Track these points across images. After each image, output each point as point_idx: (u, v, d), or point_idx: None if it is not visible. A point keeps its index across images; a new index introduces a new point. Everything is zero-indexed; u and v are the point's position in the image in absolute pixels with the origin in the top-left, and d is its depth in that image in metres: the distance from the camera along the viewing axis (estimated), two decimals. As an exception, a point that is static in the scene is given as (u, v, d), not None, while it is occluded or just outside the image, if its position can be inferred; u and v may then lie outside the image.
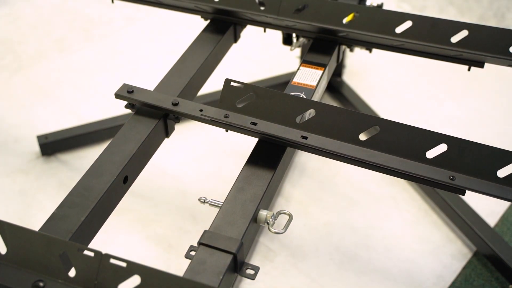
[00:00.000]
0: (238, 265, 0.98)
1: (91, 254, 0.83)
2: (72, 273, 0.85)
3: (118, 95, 1.25)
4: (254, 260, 1.61)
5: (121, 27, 2.60)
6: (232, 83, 1.18)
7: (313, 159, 1.90)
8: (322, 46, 1.41)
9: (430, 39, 1.30)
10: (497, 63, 1.29)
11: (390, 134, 1.08)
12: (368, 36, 1.35)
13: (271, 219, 1.04)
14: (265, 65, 2.33)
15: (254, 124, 1.14)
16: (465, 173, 1.03)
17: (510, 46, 1.25)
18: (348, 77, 2.23)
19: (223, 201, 1.05)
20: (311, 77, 1.33)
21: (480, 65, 1.31)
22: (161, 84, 1.33)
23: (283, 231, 1.05)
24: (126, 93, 1.24)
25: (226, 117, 1.16)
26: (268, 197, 1.10)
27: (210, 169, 1.88)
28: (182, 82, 1.33)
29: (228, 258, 0.95)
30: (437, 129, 1.06)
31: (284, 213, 1.08)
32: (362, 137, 1.10)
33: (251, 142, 1.17)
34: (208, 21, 1.53)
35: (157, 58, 2.38)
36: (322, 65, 1.36)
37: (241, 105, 1.17)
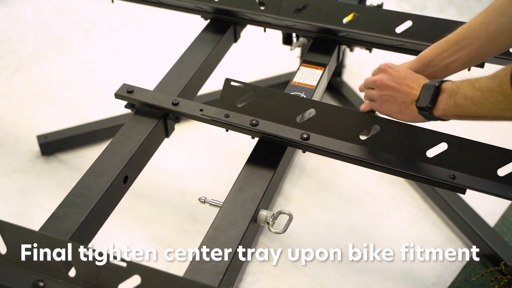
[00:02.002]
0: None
1: (91, 254, 0.83)
2: (72, 273, 0.85)
3: (118, 95, 1.25)
4: (254, 260, 1.60)
5: (121, 27, 2.60)
6: (232, 83, 1.18)
7: (313, 159, 1.89)
8: (322, 46, 1.41)
9: (430, 39, 1.30)
10: (497, 63, 1.29)
11: (390, 133, 1.08)
12: (368, 36, 1.35)
13: (271, 219, 1.04)
14: (265, 65, 2.33)
15: (255, 123, 1.14)
16: (465, 172, 1.03)
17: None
18: (348, 76, 2.23)
19: (223, 201, 1.05)
20: (311, 77, 1.33)
21: (481, 65, 1.30)
22: (161, 84, 1.33)
23: (283, 231, 1.05)
24: (126, 93, 1.24)
25: (227, 117, 1.16)
26: (268, 197, 1.10)
27: (210, 169, 1.88)
28: (182, 82, 1.33)
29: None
30: (437, 128, 1.06)
31: (284, 213, 1.08)
32: (362, 136, 1.10)
33: (251, 141, 1.17)
34: (208, 21, 1.53)
35: (157, 58, 2.38)
36: (322, 65, 1.36)
37: (241, 105, 1.17)
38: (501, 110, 0.83)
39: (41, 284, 0.84)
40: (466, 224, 1.63)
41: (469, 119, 0.91)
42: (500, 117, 0.85)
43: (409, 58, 1.40)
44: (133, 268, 0.82)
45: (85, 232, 1.02)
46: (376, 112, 1.12)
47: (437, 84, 0.95)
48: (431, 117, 0.98)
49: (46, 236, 0.87)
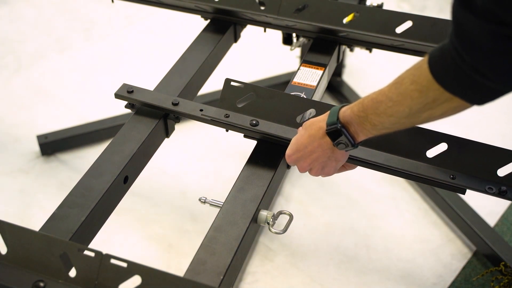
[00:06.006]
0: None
1: (92, 254, 0.83)
2: (72, 273, 0.85)
3: (118, 95, 1.25)
4: (254, 260, 1.60)
5: (121, 27, 2.60)
6: (232, 83, 1.18)
7: (313, 159, 1.89)
8: (322, 46, 1.41)
9: (430, 39, 1.30)
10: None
11: (390, 133, 1.07)
12: (368, 36, 1.35)
13: (271, 219, 1.04)
14: (265, 65, 2.33)
15: (255, 124, 1.14)
16: (465, 172, 1.03)
17: (510, 45, 1.25)
18: (348, 76, 2.23)
19: (223, 201, 1.05)
20: (311, 77, 1.33)
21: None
22: (161, 84, 1.33)
23: (283, 231, 1.05)
24: (126, 93, 1.24)
25: (227, 117, 1.16)
26: (268, 197, 1.10)
27: (210, 169, 1.88)
28: (182, 82, 1.33)
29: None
30: (437, 128, 1.06)
31: (284, 213, 1.08)
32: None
33: (251, 142, 1.17)
34: (208, 21, 1.53)
35: (157, 58, 2.38)
36: (322, 65, 1.36)
37: (241, 105, 1.17)
38: (418, 109, 0.80)
39: (42, 284, 0.84)
40: (466, 224, 1.63)
41: (390, 130, 0.89)
42: (418, 116, 0.82)
43: (409, 58, 1.41)
44: (133, 268, 0.82)
45: (86, 232, 1.02)
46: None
47: (338, 126, 0.93)
48: (357, 146, 0.96)
49: (46, 236, 0.87)
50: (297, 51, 2.13)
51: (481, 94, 0.76)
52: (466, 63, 0.72)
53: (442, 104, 0.78)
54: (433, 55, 0.78)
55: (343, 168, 1.09)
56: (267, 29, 1.49)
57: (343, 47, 1.49)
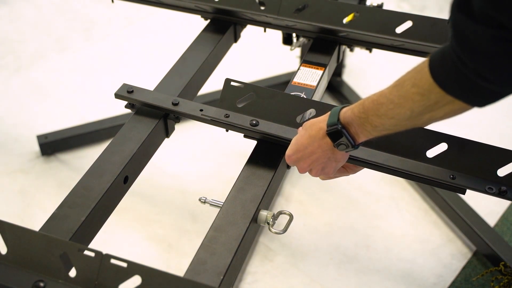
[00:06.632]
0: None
1: (92, 254, 0.83)
2: (72, 273, 0.85)
3: (118, 95, 1.25)
4: (254, 260, 1.60)
5: (121, 27, 2.60)
6: (232, 83, 1.18)
7: (313, 159, 1.89)
8: (322, 46, 1.41)
9: (430, 39, 1.30)
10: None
11: (390, 134, 1.07)
12: (368, 36, 1.35)
13: (271, 219, 1.04)
14: (265, 65, 2.33)
15: (255, 124, 1.14)
16: (465, 172, 1.03)
17: (510, 45, 1.25)
18: (348, 76, 2.23)
19: (223, 201, 1.05)
20: (311, 77, 1.33)
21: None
22: (161, 84, 1.33)
23: (283, 231, 1.05)
24: (126, 93, 1.24)
25: (227, 117, 1.16)
26: (268, 197, 1.10)
27: (210, 169, 1.88)
28: (182, 82, 1.33)
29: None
30: (437, 128, 1.06)
31: (284, 213, 1.08)
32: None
33: (251, 142, 1.17)
34: (208, 21, 1.53)
35: (157, 58, 2.38)
36: (322, 65, 1.36)
37: (241, 105, 1.17)
38: (419, 111, 0.81)
39: (42, 284, 0.84)
40: (466, 224, 1.63)
41: (391, 131, 0.89)
42: (419, 118, 0.82)
43: (409, 58, 1.41)
44: (133, 268, 0.82)
45: (86, 232, 1.02)
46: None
47: (339, 127, 0.92)
48: (358, 147, 0.95)
49: (46, 236, 0.87)
50: (297, 51, 2.13)
51: (482, 97, 0.76)
52: (467, 66, 0.73)
53: (443, 107, 0.79)
54: (434, 59, 0.78)
55: (346, 171, 1.10)
56: (267, 29, 1.49)
57: (343, 47, 1.49)
